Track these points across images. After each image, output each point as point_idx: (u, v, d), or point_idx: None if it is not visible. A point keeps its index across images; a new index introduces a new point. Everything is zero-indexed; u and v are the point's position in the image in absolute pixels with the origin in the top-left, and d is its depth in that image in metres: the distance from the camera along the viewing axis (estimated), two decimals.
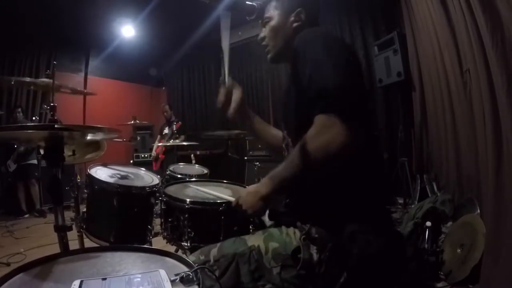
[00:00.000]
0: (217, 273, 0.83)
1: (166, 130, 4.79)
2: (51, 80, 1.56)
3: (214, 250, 0.89)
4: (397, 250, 0.87)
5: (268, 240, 0.86)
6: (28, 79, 1.51)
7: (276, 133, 1.22)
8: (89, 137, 1.18)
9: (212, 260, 0.86)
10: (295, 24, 0.99)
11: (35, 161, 4.16)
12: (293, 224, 0.89)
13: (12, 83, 1.59)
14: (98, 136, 1.30)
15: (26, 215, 4.05)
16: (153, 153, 4.88)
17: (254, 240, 0.88)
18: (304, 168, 0.79)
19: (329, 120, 0.74)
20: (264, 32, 1.06)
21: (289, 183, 0.86)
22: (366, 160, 0.84)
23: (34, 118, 4.53)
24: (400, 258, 0.93)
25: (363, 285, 0.79)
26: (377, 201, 0.88)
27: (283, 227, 0.90)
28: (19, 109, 4.14)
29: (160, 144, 4.62)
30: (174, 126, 4.53)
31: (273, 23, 1.02)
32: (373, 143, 0.90)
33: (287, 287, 0.80)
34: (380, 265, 0.79)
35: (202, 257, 0.89)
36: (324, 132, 0.75)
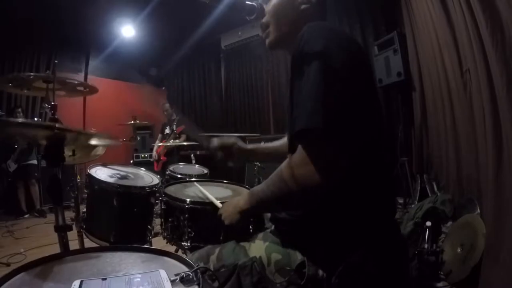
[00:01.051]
0: (216, 283, 0.80)
1: (167, 130, 4.75)
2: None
3: (213, 257, 0.85)
4: (404, 259, 0.85)
5: (270, 251, 0.82)
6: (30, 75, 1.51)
7: (282, 143, 1.18)
8: (93, 142, 1.19)
9: (212, 269, 0.83)
10: (303, 6, 0.86)
11: (35, 161, 4.16)
12: (295, 236, 0.83)
13: (10, 84, 1.59)
14: (101, 143, 1.30)
15: (26, 215, 4.06)
16: (154, 154, 4.77)
17: (255, 250, 0.84)
18: (281, 195, 0.75)
19: (305, 158, 0.67)
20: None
21: (269, 204, 0.82)
22: (366, 184, 0.76)
23: (35, 119, 4.53)
24: (406, 264, 0.91)
25: None
26: (384, 219, 0.81)
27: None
28: (19, 109, 4.15)
29: (161, 144, 4.60)
30: (174, 126, 4.51)
31: (276, 0, 0.89)
32: (377, 162, 0.79)
33: None
34: (390, 281, 0.77)
35: (201, 264, 0.85)
36: (300, 167, 0.68)
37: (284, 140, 1.18)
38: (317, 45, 0.70)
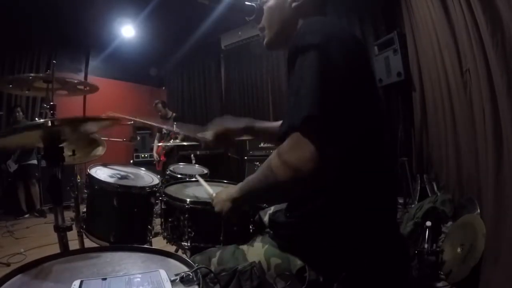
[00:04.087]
0: (218, 286, 0.79)
1: (164, 130, 4.72)
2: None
3: (214, 260, 0.86)
4: (405, 260, 0.84)
5: (269, 255, 0.81)
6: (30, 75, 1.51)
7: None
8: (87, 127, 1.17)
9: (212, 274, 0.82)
10: (294, 4, 0.87)
11: (35, 161, 4.16)
12: (296, 240, 0.81)
13: (11, 86, 1.59)
14: (93, 127, 1.28)
15: (26, 215, 4.06)
16: (155, 155, 4.69)
17: (254, 255, 0.83)
18: (268, 184, 0.73)
19: (296, 144, 0.66)
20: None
21: (257, 193, 0.82)
22: (367, 184, 0.74)
23: (36, 119, 4.54)
24: (407, 265, 0.90)
25: None
26: (386, 220, 0.80)
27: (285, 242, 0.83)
28: (19, 109, 4.14)
29: (160, 144, 4.58)
30: (175, 125, 4.48)
31: (270, 2, 0.90)
32: (378, 163, 0.78)
33: None
34: (392, 283, 0.77)
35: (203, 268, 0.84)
36: (290, 153, 0.67)
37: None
38: (314, 38, 0.70)
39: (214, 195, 0.99)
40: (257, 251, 0.84)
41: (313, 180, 0.67)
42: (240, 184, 0.88)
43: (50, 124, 0.95)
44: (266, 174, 0.74)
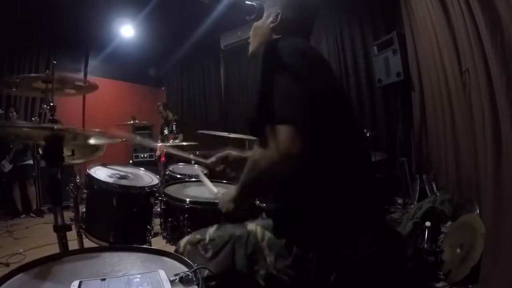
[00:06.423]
0: (210, 252, 0.86)
1: (166, 131, 4.75)
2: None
3: (211, 230, 0.92)
4: (392, 252, 0.87)
5: (265, 228, 0.88)
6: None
7: None
8: (92, 141, 1.19)
9: (207, 239, 0.89)
10: (271, 25, 1.03)
11: (31, 161, 4.14)
12: (282, 223, 0.88)
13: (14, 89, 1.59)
14: (100, 141, 1.30)
15: (23, 216, 4.03)
16: (158, 153, 4.80)
17: (253, 225, 0.91)
18: (253, 176, 0.85)
19: (292, 131, 0.75)
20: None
21: (247, 187, 0.91)
22: (344, 167, 0.83)
23: (33, 118, 4.52)
24: (398, 258, 0.92)
25: (357, 286, 0.79)
26: (366, 206, 0.86)
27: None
28: (12, 109, 4.11)
29: (159, 144, 4.58)
30: (174, 126, 4.50)
31: (258, 22, 1.06)
32: (356, 149, 0.91)
33: (281, 277, 0.81)
34: (370, 269, 0.79)
35: (197, 236, 0.92)
36: (285, 141, 0.76)
37: None
38: (290, 56, 0.83)
39: (218, 194, 1.09)
40: (256, 222, 0.91)
41: (292, 163, 0.76)
42: (236, 185, 0.96)
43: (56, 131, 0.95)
44: (251, 167, 0.86)
